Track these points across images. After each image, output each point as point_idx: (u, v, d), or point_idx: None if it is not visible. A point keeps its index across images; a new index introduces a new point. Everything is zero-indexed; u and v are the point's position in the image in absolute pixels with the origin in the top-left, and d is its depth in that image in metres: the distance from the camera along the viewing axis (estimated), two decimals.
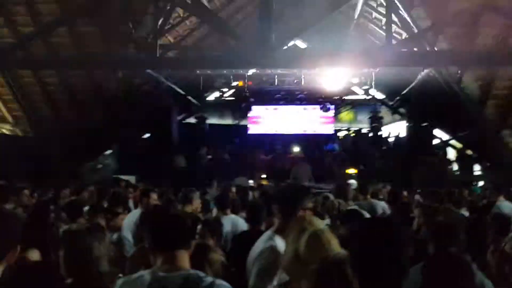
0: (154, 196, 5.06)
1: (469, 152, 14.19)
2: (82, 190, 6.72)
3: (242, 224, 4.64)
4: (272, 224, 2.85)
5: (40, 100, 11.57)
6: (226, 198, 5.18)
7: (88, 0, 8.98)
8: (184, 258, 2.01)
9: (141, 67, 10.21)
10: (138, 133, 15.52)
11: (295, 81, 13.52)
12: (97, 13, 8.97)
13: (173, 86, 12.89)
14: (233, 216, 4.87)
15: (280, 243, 2.43)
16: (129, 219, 4.77)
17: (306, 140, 14.89)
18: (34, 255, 3.00)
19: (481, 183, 12.57)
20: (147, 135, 15.62)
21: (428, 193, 6.11)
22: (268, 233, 2.60)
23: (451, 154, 15.15)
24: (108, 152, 14.54)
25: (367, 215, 4.38)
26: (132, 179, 11.76)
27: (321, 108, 14.28)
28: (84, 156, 12.96)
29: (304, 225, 2.31)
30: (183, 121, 16.13)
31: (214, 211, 5.53)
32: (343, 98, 14.30)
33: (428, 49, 9.40)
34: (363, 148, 15.06)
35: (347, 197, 5.59)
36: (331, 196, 5.37)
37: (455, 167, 14.18)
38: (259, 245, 2.55)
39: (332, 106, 14.78)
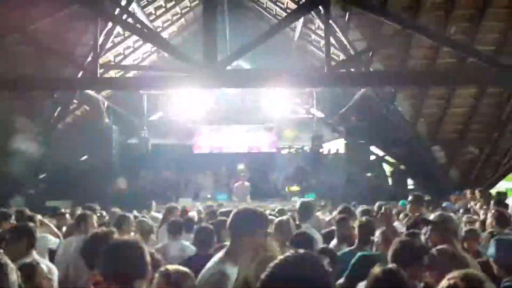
0: (92, 220, 4.75)
1: (402, 167, 15.02)
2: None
3: (190, 250, 4.57)
4: (222, 247, 2.78)
5: None
6: (179, 223, 5.05)
7: (21, 19, 8.56)
8: None
9: (80, 88, 9.86)
10: (75, 155, 14.87)
11: (240, 100, 13.66)
12: (31, 31, 8.56)
13: (114, 106, 12.55)
14: (182, 241, 4.77)
15: (229, 268, 2.38)
16: (65, 248, 4.47)
17: (250, 158, 15.00)
18: None
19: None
20: (84, 157, 15.01)
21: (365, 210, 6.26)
22: (218, 256, 2.52)
23: (387, 169, 15.94)
24: (42, 176, 13.78)
25: (317, 235, 4.52)
26: (67, 204, 11.17)
27: (264, 127, 14.51)
28: (16, 181, 12.18)
29: (259, 251, 2.34)
30: (125, 142, 15.68)
31: (153, 236, 5.40)
32: (285, 116, 14.63)
33: (363, 70, 9.96)
34: (305, 166, 15.44)
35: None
36: (274, 218, 5.33)
37: (390, 182, 14.90)
38: (209, 269, 2.47)
39: (275, 125, 15.07)
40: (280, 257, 1.45)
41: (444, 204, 8.44)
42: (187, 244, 4.73)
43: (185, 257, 4.33)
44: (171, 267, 2.58)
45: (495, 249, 3.01)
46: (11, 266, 1.83)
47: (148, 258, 1.95)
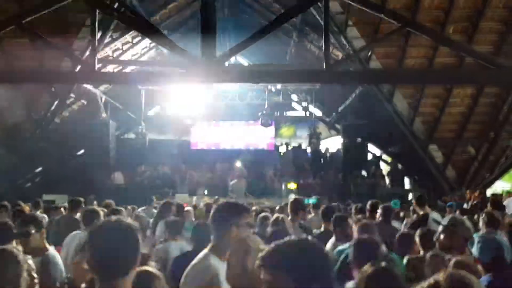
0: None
1: (399, 166, 15.05)
2: None
3: (182, 245, 4.55)
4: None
5: None
6: (179, 222, 5.02)
7: (19, 11, 8.53)
8: None
9: (78, 82, 9.83)
10: (72, 150, 14.85)
11: (238, 97, 13.67)
12: (29, 24, 8.52)
13: (111, 100, 12.52)
14: (181, 242, 4.67)
15: (215, 261, 2.37)
16: (71, 241, 4.50)
17: (247, 155, 15.00)
18: None
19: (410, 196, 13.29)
20: (81, 152, 14.99)
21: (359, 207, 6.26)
22: (203, 252, 2.50)
23: (384, 168, 15.96)
24: (38, 169, 13.76)
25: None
26: (63, 198, 11.16)
27: (262, 124, 14.50)
28: (13, 174, 12.16)
29: (249, 244, 2.37)
30: (121, 137, 15.68)
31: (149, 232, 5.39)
32: (283, 114, 14.64)
33: (361, 68, 9.96)
34: (302, 163, 15.46)
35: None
36: (270, 216, 5.33)
37: (387, 180, 14.92)
38: (194, 265, 2.46)
39: (273, 122, 15.08)
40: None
41: (449, 204, 8.45)
42: (186, 245, 4.69)
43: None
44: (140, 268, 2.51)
45: (478, 247, 3.00)
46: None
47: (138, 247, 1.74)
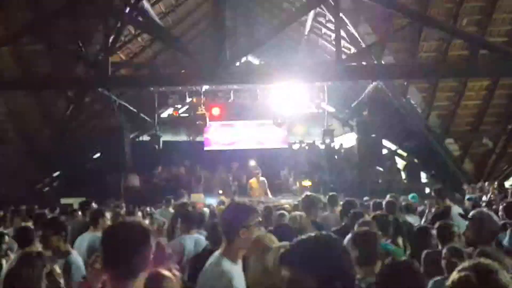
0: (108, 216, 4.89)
1: (415, 160, 14.90)
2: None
3: (204, 243, 4.60)
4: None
5: None
6: (192, 216, 5.08)
7: (33, 18, 8.68)
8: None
9: (92, 87, 9.95)
10: (88, 153, 15.05)
11: (250, 96, 13.66)
12: (43, 31, 8.67)
13: (125, 104, 12.64)
14: (196, 235, 4.77)
15: (227, 266, 2.36)
16: (80, 243, 4.59)
17: (261, 154, 15.00)
18: None
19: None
20: (97, 155, 15.18)
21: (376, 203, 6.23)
22: (215, 255, 2.48)
23: (399, 163, 15.82)
24: (56, 174, 13.98)
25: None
26: (80, 201, 11.32)
27: (275, 123, 14.47)
28: (32, 179, 12.40)
29: (266, 243, 2.39)
30: (136, 139, 15.82)
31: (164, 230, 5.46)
32: (296, 112, 14.58)
33: (375, 63, 9.89)
34: (317, 160, 15.40)
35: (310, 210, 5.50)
36: (286, 214, 5.32)
37: (403, 175, 14.79)
38: (207, 270, 2.45)
39: (286, 120, 15.03)
40: None
41: (467, 197, 8.35)
42: (201, 238, 4.75)
43: (198, 250, 4.36)
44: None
45: (509, 237, 2.96)
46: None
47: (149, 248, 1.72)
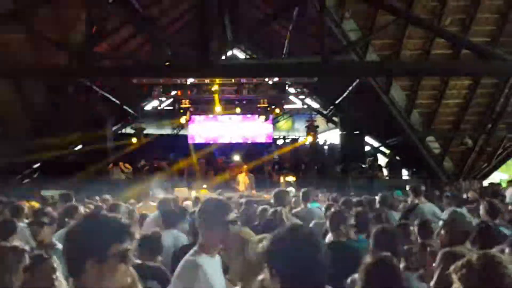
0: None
1: (397, 158, 15.09)
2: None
3: (183, 239, 4.60)
4: None
5: None
6: (173, 212, 5.08)
7: (14, 5, 8.48)
8: None
9: (74, 77, 9.81)
10: (70, 145, 14.84)
11: (235, 90, 13.65)
12: (24, 18, 8.48)
13: (108, 95, 12.50)
14: (175, 231, 4.78)
15: (201, 259, 2.40)
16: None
17: (245, 148, 15.04)
18: None
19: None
20: (79, 147, 14.98)
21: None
22: (193, 249, 2.52)
23: (382, 160, 16.01)
24: (36, 165, 13.76)
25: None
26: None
27: (259, 117, 14.50)
28: (10, 170, 12.17)
29: (243, 237, 2.44)
30: (119, 132, 15.68)
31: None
32: (281, 107, 14.63)
33: (358, 60, 9.96)
34: (300, 156, 15.50)
35: (284, 204, 5.57)
36: (269, 208, 5.38)
37: (385, 172, 14.98)
38: (182, 262, 2.48)
39: (271, 115, 15.08)
40: None
41: (448, 194, 8.48)
42: (180, 234, 4.75)
43: (178, 246, 4.37)
44: None
45: None
46: None
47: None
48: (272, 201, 5.54)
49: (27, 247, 3.59)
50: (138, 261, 3.41)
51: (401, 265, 3.02)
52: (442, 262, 2.41)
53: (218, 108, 13.21)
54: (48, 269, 2.46)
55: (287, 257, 1.49)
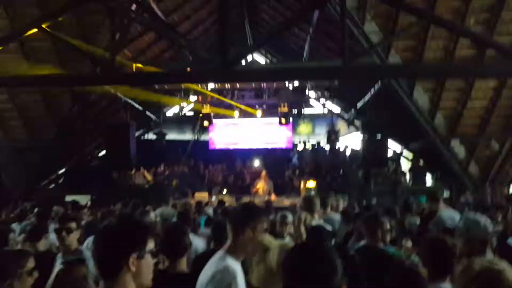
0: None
1: (421, 162, 14.80)
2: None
3: (198, 244, 4.58)
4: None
5: None
6: (188, 217, 5.08)
7: (40, 15, 8.70)
8: None
9: (97, 84, 9.95)
10: (94, 151, 15.10)
11: (255, 95, 13.66)
12: (49, 28, 8.68)
13: (131, 101, 12.68)
14: (191, 235, 4.77)
15: (232, 263, 2.38)
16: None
17: (266, 154, 14.99)
18: None
19: None
20: (102, 153, 15.22)
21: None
22: (219, 253, 2.50)
23: (405, 164, 15.74)
24: (62, 171, 14.04)
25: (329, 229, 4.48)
26: (86, 198, 11.38)
27: (280, 122, 14.46)
28: (37, 175, 12.45)
29: (266, 244, 2.43)
30: (142, 138, 15.87)
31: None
32: (301, 111, 14.56)
33: (380, 62, 9.83)
34: (321, 161, 15.36)
35: (313, 210, 5.53)
36: (289, 215, 5.35)
37: (408, 177, 14.70)
38: (211, 266, 2.45)
39: (291, 120, 15.03)
40: None
41: (464, 200, 8.28)
42: (196, 238, 4.73)
43: (193, 252, 4.34)
44: None
45: None
46: None
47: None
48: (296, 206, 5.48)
49: (58, 254, 3.69)
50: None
51: None
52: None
53: (237, 112, 13.24)
54: (81, 274, 2.49)
55: (298, 274, 1.53)
